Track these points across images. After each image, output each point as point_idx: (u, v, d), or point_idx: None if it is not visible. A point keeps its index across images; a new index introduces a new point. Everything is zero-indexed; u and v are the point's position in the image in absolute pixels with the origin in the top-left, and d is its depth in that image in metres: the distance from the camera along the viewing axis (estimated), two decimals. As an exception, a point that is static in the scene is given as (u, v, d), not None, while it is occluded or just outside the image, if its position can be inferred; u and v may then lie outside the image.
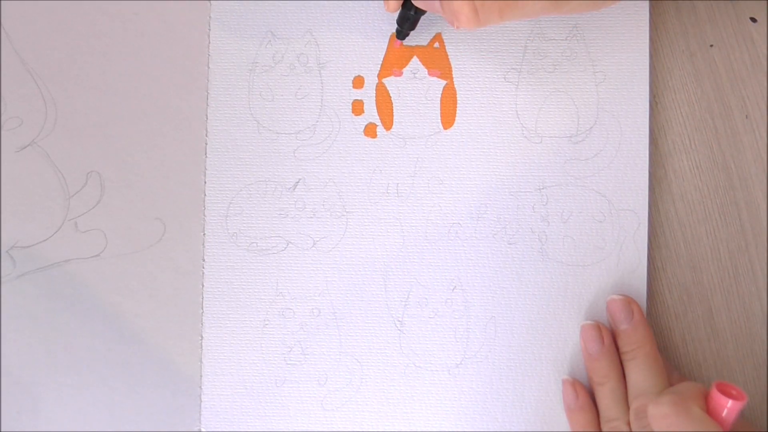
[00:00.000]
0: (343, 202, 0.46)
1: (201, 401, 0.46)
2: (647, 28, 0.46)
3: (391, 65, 0.46)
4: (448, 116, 0.46)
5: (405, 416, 0.46)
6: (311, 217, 0.46)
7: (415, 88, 0.46)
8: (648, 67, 0.46)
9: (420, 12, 0.44)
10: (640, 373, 0.43)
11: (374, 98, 0.47)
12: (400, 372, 0.46)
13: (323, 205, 0.46)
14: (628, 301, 0.44)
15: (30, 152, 0.46)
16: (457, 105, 0.46)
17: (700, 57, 0.47)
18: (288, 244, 0.46)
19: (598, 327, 0.45)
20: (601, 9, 0.42)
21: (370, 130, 0.46)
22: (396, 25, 0.45)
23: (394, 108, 0.46)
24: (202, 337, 0.46)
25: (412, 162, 0.46)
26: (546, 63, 0.46)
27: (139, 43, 0.47)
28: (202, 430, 0.46)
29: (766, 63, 0.46)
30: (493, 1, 0.38)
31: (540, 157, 0.46)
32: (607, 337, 0.44)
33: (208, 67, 0.47)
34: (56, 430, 0.46)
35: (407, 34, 0.46)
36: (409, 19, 0.44)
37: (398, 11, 0.45)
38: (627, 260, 0.46)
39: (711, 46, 0.47)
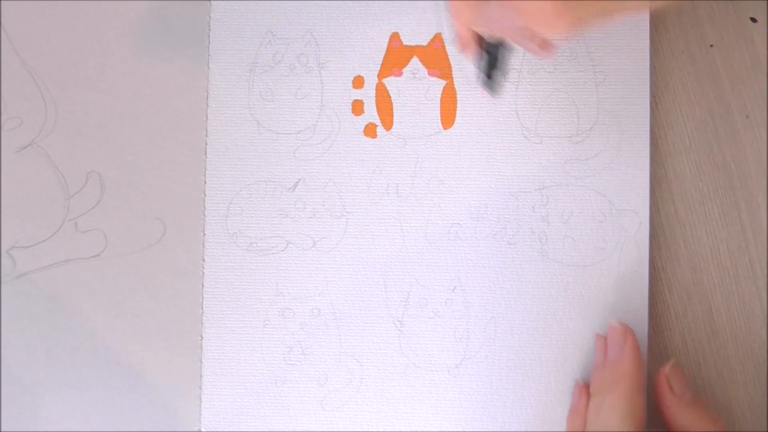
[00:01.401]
0: (343, 202, 0.46)
1: (201, 401, 0.46)
2: (647, 28, 0.46)
3: (391, 65, 0.46)
4: (448, 116, 0.46)
5: (405, 416, 0.46)
6: (311, 217, 0.46)
7: (415, 88, 0.46)
8: (648, 67, 0.46)
9: (503, 47, 0.36)
10: (611, 413, 0.41)
11: (374, 98, 0.47)
12: (400, 372, 0.46)
13: (323, 205, 0.46)
14: (624, 330, 0.44)
15: (30, 152, 0.46)
16: (457, 105, 0.46)
17: (700, 57, 0.47)
18: (288, 244, 0.46)
19: (603, 339, 0.44)
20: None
21: (370, 130, 0.46)
22: (485, 73, 0.39)
23: (394, 108, 0.46)
24: (202, 337, 0.46)
25: (412, 162, 0.46)
26: (546, 63, 0.46)
27: (139, 44, 0.47)
28: (202, 430, 0.46)
29: (766, 63, 0.46)
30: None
31: (540, 157, 0.46)
32: (614, 351, 0.44)
33: (208, 67, 0.47)
34: (56, 430, 0.46)
35: (500, 82, 0.40)
36: (493, 61, 0.38)
37: (477, 55, 0.39)
38: (628, 261, 0.46)
39: (711, 46, 0.47)
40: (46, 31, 0.47)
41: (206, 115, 0.47)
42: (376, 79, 0.47)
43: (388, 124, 0.46)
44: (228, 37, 0.47)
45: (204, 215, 0.46)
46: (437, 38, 0.46)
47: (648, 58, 0.46)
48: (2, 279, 0.46)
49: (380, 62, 0.47)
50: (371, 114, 0.47)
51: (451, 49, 0.46)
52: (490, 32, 0.36)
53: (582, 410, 0.44)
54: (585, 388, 0.44)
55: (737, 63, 0.46)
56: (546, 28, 0.32)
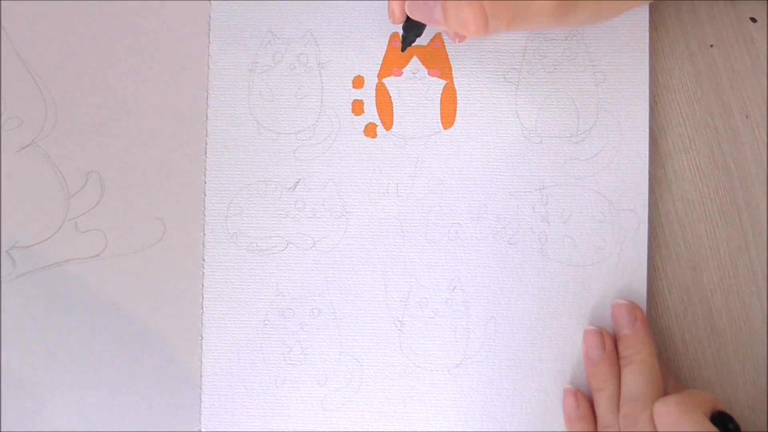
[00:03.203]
0: (343, 202, 0.46)
1: (201, 401, 0.46)
2: (647, 28, 0.46)
3: (391, 65, 0.46)
4: (448, 116, 0.46)
5: (405, 416, 0.46)
6: (311, 217, 0.46)
7: (415, 88, 0.46)
8: (648, 67, 0.46)
9: (425, 26, 0.43)
10: (633, 379, 0.43)
11: (374, 98, 0.47)
12: (400, 372, 0.46)
13: (323, 205, 0.46)
14: (632, 307, 0.44)
15: (30, 152, 0.46)
16: (457, 105, 0.46)
17: (700, 57, 0.47)
18: (288, 244, 0.46)
19: (600, 333, 0.44)
20: (603, 22, 0.42)
21: (370, 130, 0.46)
22: (401, 32, 0.44)
23: (394, 108, 0.46)
24: (202, 337, 0.46)
25: (412, 162, 0.46)
26: (546, 63, 0.46)
27: (139, 43, 0.47)
28: (202, 430, 0.46)
29: (766, 63, 0.46)
30: (504, 11, 0.38)
31: (540, 157, 0.46)
32: (609, 343, 0.44)
33: (208, 67, 0.47)
34: (56, 430, 0.46)
35: (413, 41, 0.45)
36: (414, 28, 0.44)
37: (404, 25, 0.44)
38: (627, 260, 0.46)
39: (711, 46, 0.47)
40: (46, 31, 0.47)
41: (206, 115, 0.47)
42: (376, 79, 0.47)
43: (388, 124, 0.46)
44: (228, 37, 0.47)
45: (204, 215, 0.46)
46: (437, 38, 0.46)
47: (648, 58, 0.46)
48: (2, 279, 0.46)
49: (380, 62, 0.47)
50: (371, 114, 0.47)
51: (451, 49, 0.46)
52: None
53: (585, 415, 0.44)
54: (580, 393, 0.45)
55: (737, 63, 0.46)
56: (468, 36, 0.40)
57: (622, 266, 0.46)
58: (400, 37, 0.44)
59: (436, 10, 0.40)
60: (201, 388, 0.46)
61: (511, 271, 0.46)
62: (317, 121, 0.47)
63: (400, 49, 0.46)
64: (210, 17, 0.47)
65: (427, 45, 0.46)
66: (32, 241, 0.46)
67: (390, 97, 0.47)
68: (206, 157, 0.46)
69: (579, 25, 0.41)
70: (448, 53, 0.46)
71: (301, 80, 0.47)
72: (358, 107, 0.47)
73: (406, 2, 0.42)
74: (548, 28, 0.42)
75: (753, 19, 0.46)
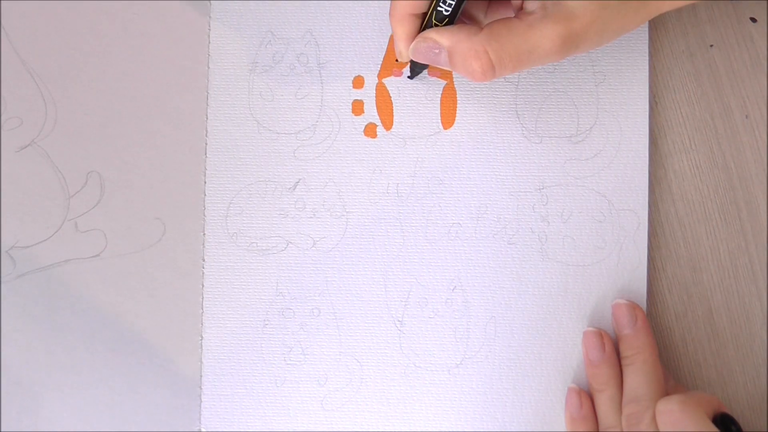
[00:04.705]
0: (343, 202, 0.46)
1: (201, 401, 0.46)
2: (647, 28, 0.46)
3: (391, 65, 0.46)
4: (448, 116, 0.46)
5: (405, 416, 0.46)
6: (311, 217, 0.46)
7: (415, 88, 0.46)
8: (648, 67, 0.46)
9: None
10: (636, 379, 0.43)
11: (374, 98, 0.47)
12: (400, 372, 0.46)
13: (323, 205, 0.46)
14: (633, 307, 0.44)
15: (30, 152, 0.46)
16: (457, 105, 0.46)
17: (700, 57, 0.47)
18: (288, 244, 0.46)
19: (599, 334, 0.45)
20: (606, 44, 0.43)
21: (370, 130, 0.46)
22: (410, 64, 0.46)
23: (394, 108, 0.46)
24: (202, 337, 0.46)
25: (412, 162, 0.46)
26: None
27: (139, 43, 0.47)
28: (202, 430, 0.46)
29: (766, 63, 0.46)
30: (509, 58, 0.39)
31: (540, 157, 0.46)
32: (609, 344, 0.44)
33: (208, 67, 0.47)
34: (56, 430, 0.46)
35: (419, 72, 0.46)
36: (420, 68, 0.45)
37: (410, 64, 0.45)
38: (627, 260, 0.46)
39: (711, 46, 0.47)
40: (46, 31, 0.47)
41: (206, 115, 0.47)
42: (376, 79, 0.47)
43: (388, 124, 0.46)
44: (228, 37, 0.47)
45: (204, 215, 0.46)
46: (437, 38, 0.46)
47: (647, 58, 0.46)
48: (2, 279, 0.46)
49: (380, 62, 0.47)
50: (371, 114, 0.47)
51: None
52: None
53: (588, 415, 0.44)
54: (584, 394, 0.45)
55: (737, 63, 0.46)
56: (474, 81, 0.41)
57: (622, 266, 0.46)
58: (410, 74, 0.46)
59: (441, 56, 0.41)
60: (201, 388, 0.46)
61: (511, 271, 0.46)
62: (317, 121, 0.47)
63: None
64: (210, 17, 0.47)
65: (427, 45, 0.46)
66: (32, 241, 0.46)
67: (390, 97, 0.47)
68: (206, 157, 0.46)
69: (584, 53, 0.42)
70: (448, 53, 0.46)
71: (301, 80, 0.47)
72: (358, 107, 0.47)
73: (411, 45, 0.42)
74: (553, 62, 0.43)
75: (753, 19, 0.46)
